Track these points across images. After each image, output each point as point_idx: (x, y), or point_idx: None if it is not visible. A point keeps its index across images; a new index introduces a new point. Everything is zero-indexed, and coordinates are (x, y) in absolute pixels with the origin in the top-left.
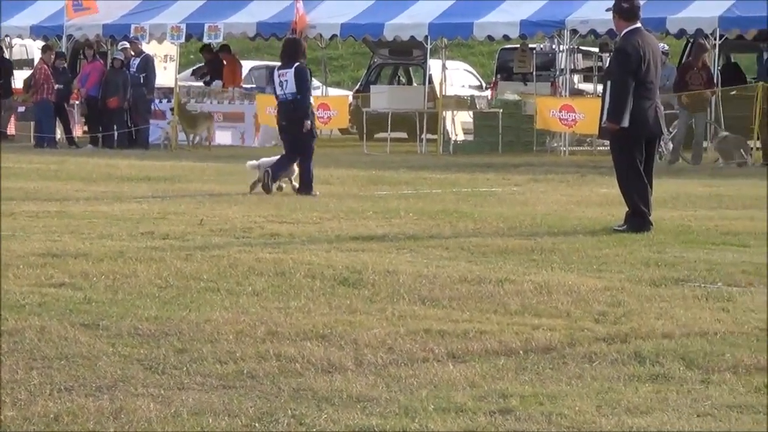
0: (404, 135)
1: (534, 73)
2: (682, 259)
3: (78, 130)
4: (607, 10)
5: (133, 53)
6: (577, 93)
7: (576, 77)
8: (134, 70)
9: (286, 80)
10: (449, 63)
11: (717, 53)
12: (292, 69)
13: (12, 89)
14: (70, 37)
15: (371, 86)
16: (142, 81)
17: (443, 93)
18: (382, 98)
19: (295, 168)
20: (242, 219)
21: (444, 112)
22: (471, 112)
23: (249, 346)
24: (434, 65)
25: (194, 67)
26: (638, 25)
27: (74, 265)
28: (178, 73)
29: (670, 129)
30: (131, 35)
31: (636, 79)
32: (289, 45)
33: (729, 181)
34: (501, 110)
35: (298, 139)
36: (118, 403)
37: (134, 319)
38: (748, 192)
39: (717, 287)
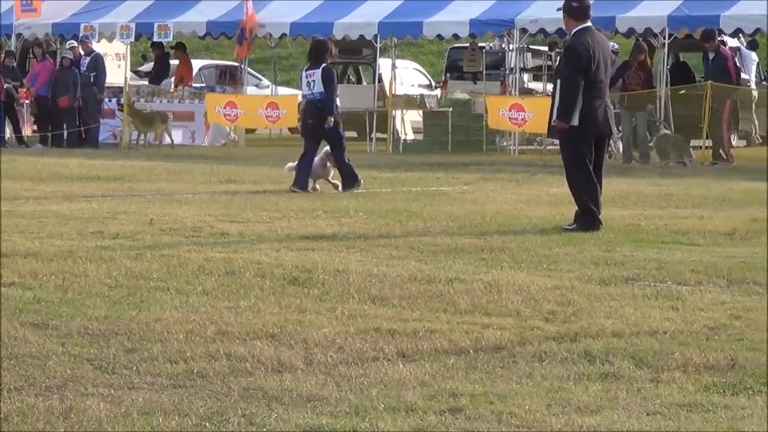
0: (354, 134)
1: (484, 72)
2: (632, 258)
3: (27, 129)
4: (558, 9)
5: (82, 52)
6: (527, 92)
7: (526, 76)
8: (84, 69)
9: (314, 80)
10: (399, 62)
11: (666, 52)
12: (320, 69)
13: None
14: (19, 36)
15: None
16: (92, 80)
17: (393, 92)
18: None
19: (330, 168)
20: (192, 218)
21: (394, 111)
22: (421, 111)
23: (199, 346)
24: (384, 64)
25: (138, 68)
26: (588, 24)
27: (24, 265)
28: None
29: (619, 128)
30: (81, 34)
31: (586, 78)
32: (317, 46)
33: (678, 180)
34: (451, 109)
35: (326, 136)
36: (68, 403)
37: (84, 318)
38: (697, 191)
39: (666, 286)
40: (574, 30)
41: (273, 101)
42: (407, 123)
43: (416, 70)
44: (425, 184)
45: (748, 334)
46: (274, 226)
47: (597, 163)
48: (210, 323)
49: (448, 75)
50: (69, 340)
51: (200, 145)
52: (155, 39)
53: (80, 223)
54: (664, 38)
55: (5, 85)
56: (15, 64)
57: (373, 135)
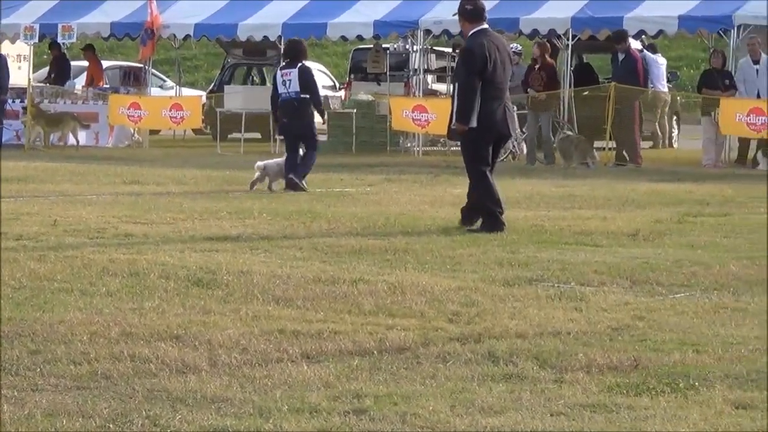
0: (258, 135)
1: (387, 73)
2: (536, 258)
3: None
4: (454, 15)
5: None
6: (431, 93)
7: (429, 77)
8: None
9: (290, 79)
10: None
11: (570, 54)
12: (296, 69)
13: None
14: None
15: (225, 86)
16: None
17: None
18: (236, 98)
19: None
20: (96, 219)
21: None
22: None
23: (103, 347)
24: None
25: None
26: (484, 26)
27: None
28: (32, 73)
29: (524, 129)
30: None
31: (483, 79)
32: (293, 46)
33: (582, 181)
34: (355, 110)
35: (302, 134)
36: None
37: None
38: (600, 192)
39: (570, 287)
40: (471, 32)
41: (177, 102)
42: None
43: (320, 71)
44: (329, 185)
45: (650, 334)
46: (179, 227)
47: (491, 163)
48: (114, 325)
49: (352, 76)
50: None
51: (104, 146)
52: (59, 40)
53: None
54: (568, 39)
55: None
56: None
57: (277, 136)
